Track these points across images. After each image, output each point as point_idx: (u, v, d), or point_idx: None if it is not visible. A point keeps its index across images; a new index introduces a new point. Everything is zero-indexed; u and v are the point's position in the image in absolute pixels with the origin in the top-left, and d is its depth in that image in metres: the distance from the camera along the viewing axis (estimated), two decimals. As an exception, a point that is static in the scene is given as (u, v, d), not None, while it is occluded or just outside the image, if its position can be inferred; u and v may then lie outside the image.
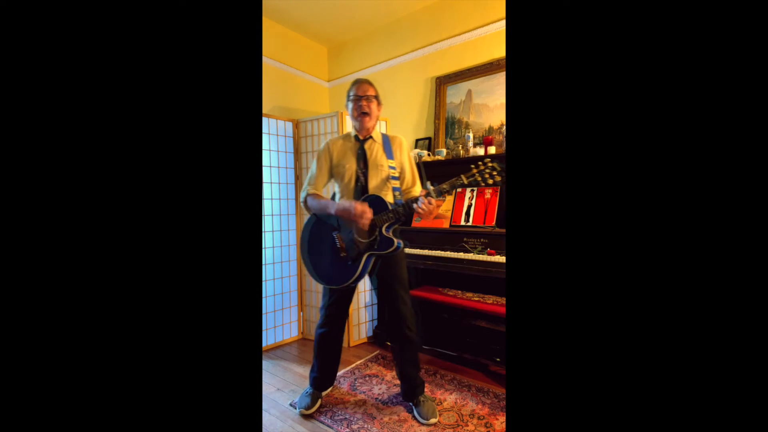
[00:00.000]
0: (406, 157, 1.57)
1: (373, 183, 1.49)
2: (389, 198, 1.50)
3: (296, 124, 2.45)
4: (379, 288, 1.55)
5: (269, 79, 2.73)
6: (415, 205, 1.30)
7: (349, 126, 2.28)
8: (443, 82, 2.49)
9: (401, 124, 2.72)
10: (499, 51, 2.25)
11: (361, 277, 1.41)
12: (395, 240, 1.38)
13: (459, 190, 2.11)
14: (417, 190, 1.57)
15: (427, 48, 2.58)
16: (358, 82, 1.51)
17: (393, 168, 1.51)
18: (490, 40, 2.29)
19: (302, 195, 1.55)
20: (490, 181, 1.26)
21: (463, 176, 1.28)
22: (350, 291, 1.55)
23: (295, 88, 2.95)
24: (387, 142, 1.54)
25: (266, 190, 2.29)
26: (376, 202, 1.40)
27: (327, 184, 1.59)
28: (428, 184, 1.34)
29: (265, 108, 2.67)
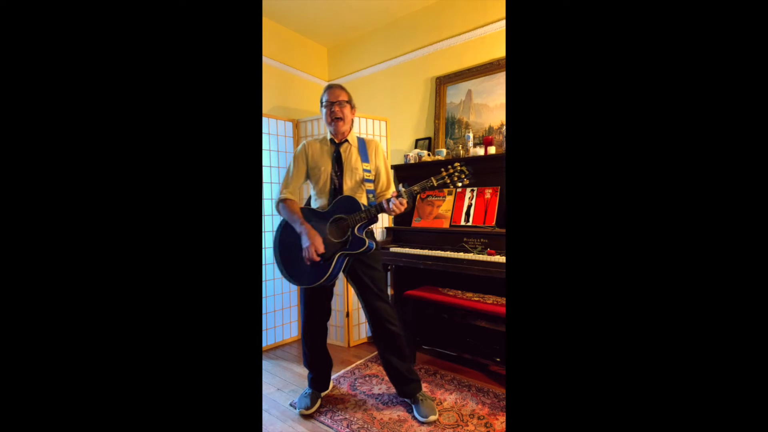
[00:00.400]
0: (382, 160, 1.62)
1: (347, 185, 1.53)
2: (363, 200, 1.54)
3: (296, 124, 2.45)
4: (354, 288, 1.57)
5: (269, 79, 2.73)
6: (386, 206, 1.36)
7: (348, 126, 2.29)
8: (443, 82, 2.49)
9: (401, 124, 2.72)
10: (499, 51, 2.25)
11: (333, 276, 1.43)
12: (367, 240, 1.42)
13: (459, 190, 2.12)
14: (392, 191, 1.61)
15: (427, 48, 2.58)
16: (330, 87, 1.54)
17: (368, 171, 1.55)
18: (490, 40, 2.29)
19: (277, 197, 1.56)
20: (459, 184, 1.35)
21: (433, 178, 1.35)
22: (326, 290, 1.58)
23: (295, 88, 2.95)
24: (363, 146, 1.58)
25: (266, 190, 2.29)
26: (349, 203, 1.45)
27: (302, 185, 1.62)
28: (400, 186, 1.43)
29: (265, 108, 2.67)
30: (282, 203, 1.54)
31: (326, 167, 1.54)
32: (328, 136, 1.59)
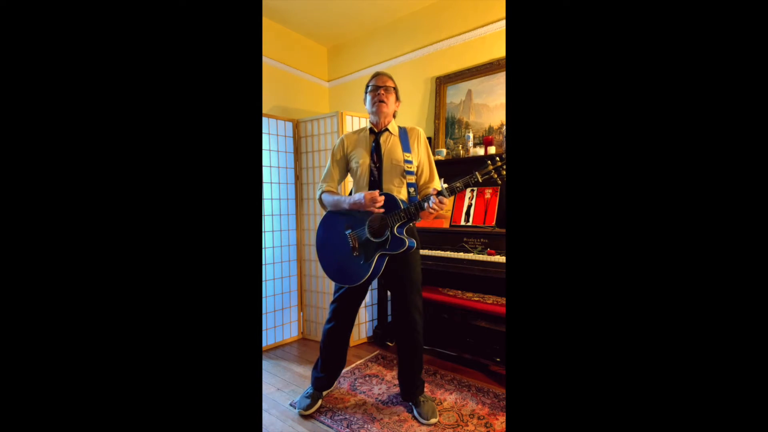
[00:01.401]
0: (425, 150, 1.51)
1: (386, 178, 1.44)
2: (403, 194, 1.46)
3: (296, 124, 2.45)
4: (390, 290, 1.53)
5: (269, 79, 2.73)
6: (426, 205, 1.28)
7: (349, 126, 2.28)
8: (443, 82, 2.49)
9: (401, 123, 2.71)
10: (499, 51, 2.25)
11: (373, 276, 1.39)
12: (407, 240, 1.34)
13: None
14: (436, 185, 1.50)
15: (427, 48, 2.58)
16: (378, 74, 1.49)
17: (409, 162, 1.44)
18: (490, 40, 2.29)
19: (318, 192, 1.54)
20: (501, 177, 1.23)
21: (477, 173, 1.23)
22: (361, 288, 1.51)
23: (295, 88, 2.95)
24: (404, 135, 1.48)
25: (266, 190, 2.29)
26: (388, 201, 1.36)
27: (342, 180, 1.57)
28: (442, 182, 1.32)
29: (265, 108, 2.67)
30: (324, 194, 1.50)
31: (364, 159, 1.46)
32: (368, 126, 1.53)
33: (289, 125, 2.43)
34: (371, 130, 1.51)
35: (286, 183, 2.41)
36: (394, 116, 1.53)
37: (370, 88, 1.49)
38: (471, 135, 2.22)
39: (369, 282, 1.43)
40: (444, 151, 2.30)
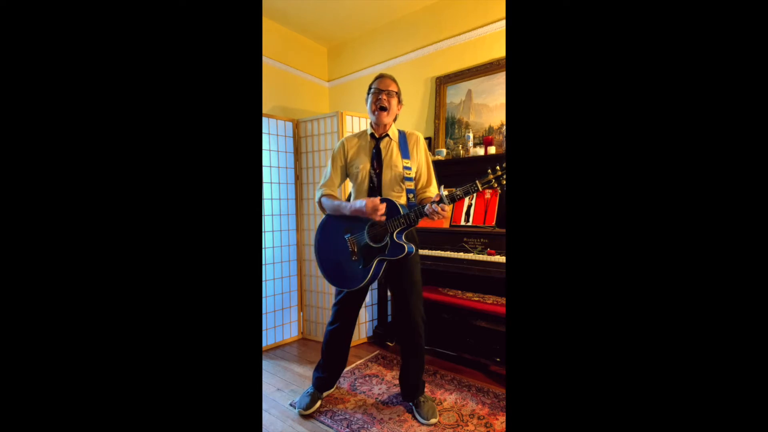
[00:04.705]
0: (423, 155, 1.51)
1: (386, 184, 1.44)
2: (402, 199, 1.47)
3: (296, 124, 2.45)
4: (391, 292, 1.54)
5: (269, 79, 2.73)
6: (427, 211, 1.27)
7: (349, 126, 2.29)
8: (443, 82, 2.49)
9: (401, 123, 2.72)
10: (499, 51, 2.25)
11: (371, 281, 1.40)
12: (406, 246, 1.34)
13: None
14: (433, 190, 1.51)
15: (427, 48, 2.58)
16: (381, 77, 1.47)
17: (408, 168, 1.44)
18: (490, 40, 2.29)
19: (317, 195, 1.52)
20: (503, 184, 1.21)
21: (478, 182, 1.21)
22: (361, 291, 1.52)
23: (295, 88, 2.95)
24: (404, 140, 1.48)
25: (266, 190, 2.29)
26: (389, 207, 1.36)
27: (342, 183, 1.56)
28: (441, 188, 1.33)
29: (265, 108, 2.68)
30: (324, 197, 1.49)
31: (365, 164, 1.46)
32: (369, 130, 1.51)
33: (289, 125, 2.43)
34: (372, 135, 1.50)
35: (286, 183, 2.41)
36: (394, 119, 1.52)
37: (372, 90, 1.47)
38: (471, 135, 2.22)
39: (368, 286, 1.44)
40: (444, 151, 2.30)
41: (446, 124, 2.48)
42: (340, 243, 1.45)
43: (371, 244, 1.39)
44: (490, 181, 1.21)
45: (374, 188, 1.45)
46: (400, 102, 1.50)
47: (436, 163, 2.23)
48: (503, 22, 2.22)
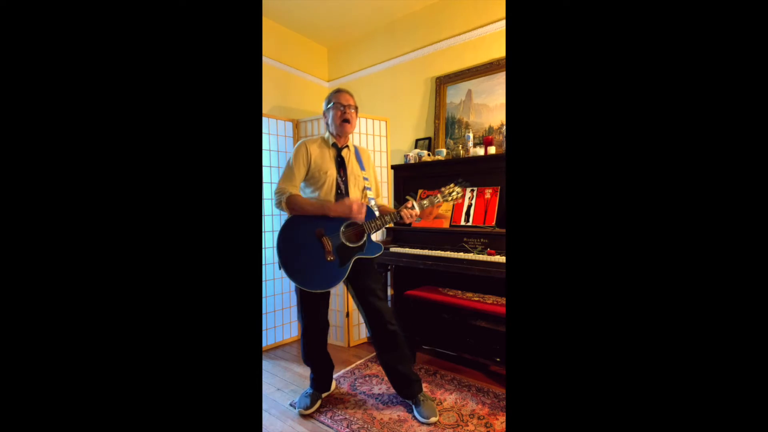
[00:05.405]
0: (372, 169, 1.67)
1: (353, 192, 1.55)
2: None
3: (296, 125, 2.45)
4: (355, 293, 1.56)
5: (269, 79, 2.73)
6: (403, 214, 1.47)
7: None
8: (443, 82, 2.49)
9: (401, 124, 2.72)
10: (499, 51, 2.25)
11: (345, 278, 1.48)
12: (382, 246, 1.50)
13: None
14: (381, 198, 1.73)
15: (427, 48, 2.58)
16: (341, 92, 1.54)
17: (366, 179, 1.60)
18: (490, 40, 2.29)
19: (282, 195, 1.48)
20: (456, 197, 1.54)
21: (439, 195, 1.53)
22: (326, 296, 1.59)
23: (295, 88, 2.95)
24: (358, 154, 1.62)
25: (266, 191, 2.29)
26: (367, 211, 1.49)
27: (300, 185, 1.57)
28: (409, 196, 1.56)
29: (265, 108, 2.67)
30: (294, 196, 1.47)
31: (331, 171, 1.52)
32: (331, 141, 1.55)
33: (289, 125, 2.43)
34: (334, 144, 1.56)
35: (286, 183, 2.40)
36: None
37: (333, 104, 1.53)
38: (471, 135, 2.22)
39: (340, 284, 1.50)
40: (444, 151, 2.30)
41: (446, 124, 2.48)
42: (311, 244, 1.43)
43: (347, 244, 1.45)
44: (446, 195, 1.51)
45: (342, 195, 1.53)
46: (356, 116, 1.61)
47: (436, 163, 2.24)
48: (503, 22, 2.22)
